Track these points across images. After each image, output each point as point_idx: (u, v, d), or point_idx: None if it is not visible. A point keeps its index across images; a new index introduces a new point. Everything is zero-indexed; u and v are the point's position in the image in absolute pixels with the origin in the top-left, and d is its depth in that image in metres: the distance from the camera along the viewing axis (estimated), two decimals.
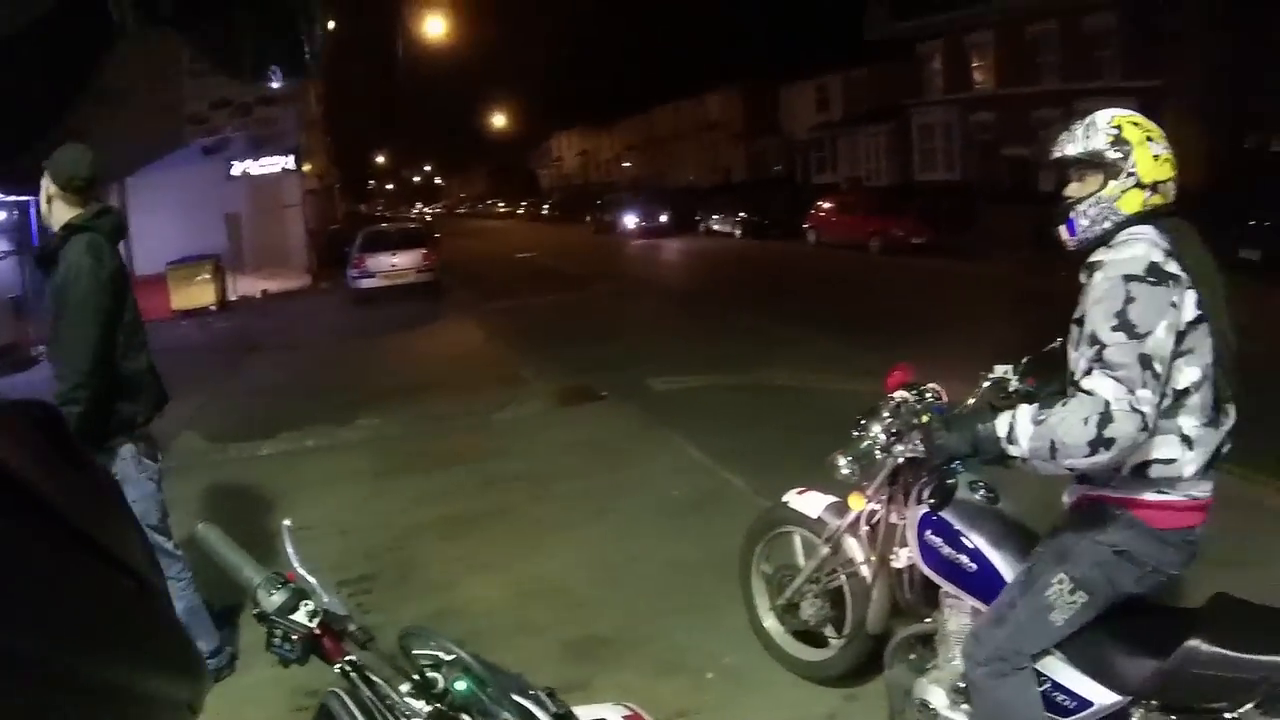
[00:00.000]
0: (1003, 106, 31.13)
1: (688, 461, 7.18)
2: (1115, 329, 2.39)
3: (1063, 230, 2.76)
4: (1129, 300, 2.41)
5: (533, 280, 22.67)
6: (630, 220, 37.25)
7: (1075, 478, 2.73)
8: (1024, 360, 3.33)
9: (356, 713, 1.51)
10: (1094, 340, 2.43)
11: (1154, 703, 2.61)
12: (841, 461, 3.40)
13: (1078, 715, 2.73)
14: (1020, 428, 2.49)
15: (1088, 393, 2.36)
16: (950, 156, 34.99)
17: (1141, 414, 2.31)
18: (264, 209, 26.14)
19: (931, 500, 3.01)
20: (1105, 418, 2.29)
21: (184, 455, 8.62)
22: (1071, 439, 2.33)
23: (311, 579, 1.72)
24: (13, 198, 21.64)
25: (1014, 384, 3.28)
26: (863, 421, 3.36)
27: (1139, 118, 2.68)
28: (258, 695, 4.32)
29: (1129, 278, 2.44)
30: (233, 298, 23.88)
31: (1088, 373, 2.41)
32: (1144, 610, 2.76)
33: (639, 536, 5.74)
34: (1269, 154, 28.08)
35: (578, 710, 1.68)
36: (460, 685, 1.54)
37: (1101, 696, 2.68)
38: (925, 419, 3.07)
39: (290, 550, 1.79)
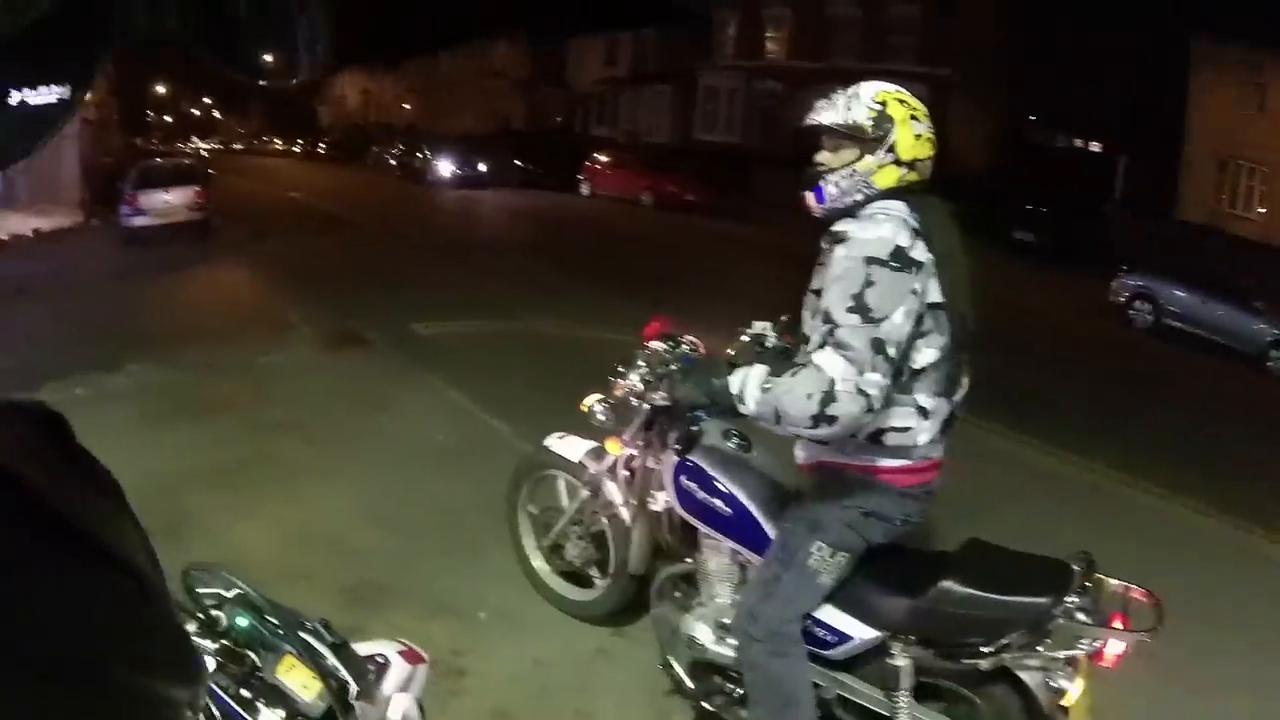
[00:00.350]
0: (791, 78, 31.98)
1: (453, 407, 7.35)
2: (851, 310, 2.35)
3: (809, 196, 2.70)
4: (868, 284, 2.36)
5: (305, 222, 21.81)
6: (446, 168, 32.92)
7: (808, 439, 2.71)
8: (782, 319, 3.39)
9: None
10: (828, 318, 2.39)
11: (912, 638, 2.74)
12: (598, 408, 3.62)
13: (838, 648, 2.84)
14: (749, 391, 2.51)
15: (817, 368, 2.34)
16: (732, 121, 36.02)
17: (867, 396, 2.30)
18: None
19: (678, 447, 3.14)
20: (829, 396, 2.28)
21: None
22: (796, 410, 2.33)
23: None
24: None
25: (771, 340, 3.36)
26: (620, 369, 3.44)
27: (905, 94, 2.65)
28: None
29: (871, 260, 2.39)
30: (3, 237, 22.01)
31: (821, 346, 2.38)
32: (900, 553, 2.88)
33: (407, 481, 5.85)
34: (1044, 146, 31.32)
35: (354, 645, 1.75)
36: (242, 621, 1.61)
37: (861, 632, 2.78)
38: (672, 369, 3.17)
39: None
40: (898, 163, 2.57)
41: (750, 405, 2.50)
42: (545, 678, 4.00)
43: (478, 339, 9.86)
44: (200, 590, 1.70)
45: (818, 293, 2.59)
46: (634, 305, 10.04)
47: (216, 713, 1.46)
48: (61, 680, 0.49)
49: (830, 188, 2.63)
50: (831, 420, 2.29)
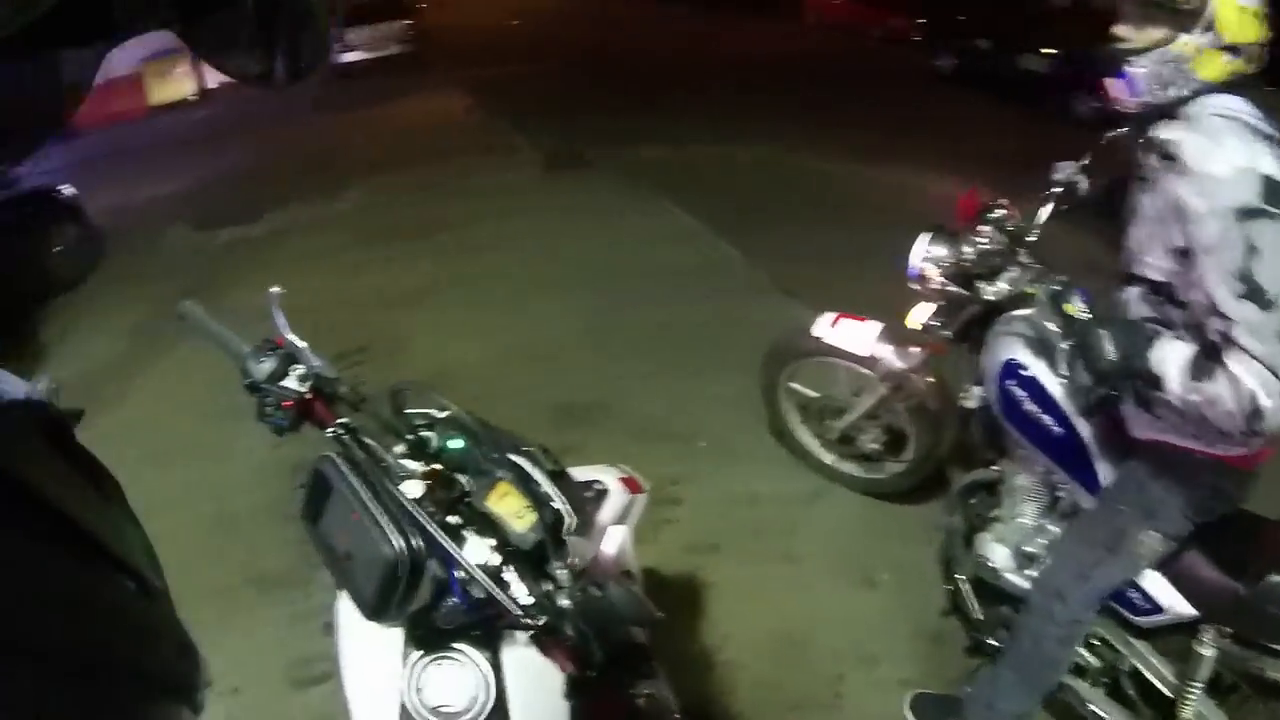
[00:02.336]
0: None
1: (681, 229, 7.03)
2: (1243, 297, 1.83)
3: (1116, 85, 2.11)
4: (1251, 251, 1.82)
5: (524, 49, 21.40)
6: None
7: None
8: (1087, 158, 2.83)
9: (350, 475, 1.47)
10: (1214, 309, 1.89)
11: (1227, 630, 2.35)
12: (929, 320, 2.97)
13: (1147, 617, 2.48)
14: (1170, 374, 1.95)
15: (1232, 378, 1.84)
16: None
17: None
18: None
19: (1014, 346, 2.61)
20: (1255, 414, 1.83)
21: (176, 244, 8.85)
22: (1220, 423, 1.89)
23: (301, 343, 1.67)
24: None
25: (1083, 185, 2.80)
26: (930, 253, 2.89)
27: None
28: (258, 481, 4.49)
29: (1244, 213, 1.84)
30: (212, 85, 23.15)
31: (1219, 346, 1.88)
32: (1239, 524, 2.43)
33: (629, 302, 5.70)
34: None
35: (572, 470, 1.63)
36: (454, 443, 1.52)
37: (1178, 607, 2.40)
38: (1072, 310, 2.29)
39: (277, 317, 1.74)
40: (1222, 47, 1.97)
41: (1172, 396, 1.96)
42: (758, 515, 3.86)
43: (707, 163, 9.36)
44: (409, 410, 1.65)
45: (1160, 222, 2.08)
46: (865, 137, 9.53)
47: (421, 541, 1.38)
48: (61, 677, 0.48)
49: (1142, 75, 2.04)
50: (1258, 433, 1.86)
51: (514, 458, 1.50)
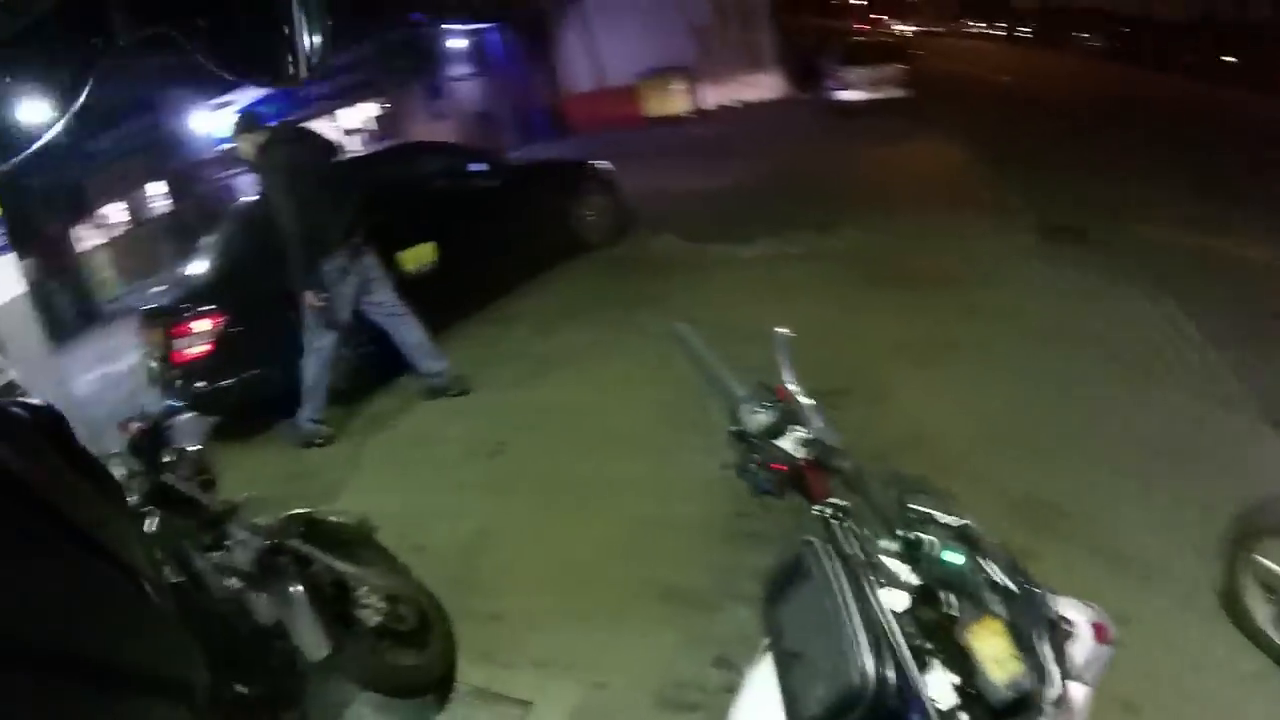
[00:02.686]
0: None
1: (1183, 339, 6.04)
2: None
3: None
4: None
5: (1012, 106, 20.83)
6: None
7: None
8: None
9: (835, 570, 1.31)
10: None
11: None
12: None
13: None
14: None
15: None
16: None
17: None
18: (732, 21, 26.12)
19: None
20: None
21: (663, 253, 9.73)
22: None
23: (805, 399, 1.52)
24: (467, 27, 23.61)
25: None
26: None
27: None
28: (699, 494, 4.59)
29: None
30: (706, 106, 24.50)
31: None
32: None
33: (1117, 401, 5.13)
34: None
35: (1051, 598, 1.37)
36: (953, 557, 1.32)
37: None
38: None
39: (783, 363, 1.60)
40: None
41: None
42: (1200, 692, 3.19)
43: (1221, 257, 7.94)
44: (912, 505, 1.42)
45: None
46: None
47: (892, 672, 1.21)
48: (61, 680, 0.48)
49: None
50: None
51: (1006, 580, 1.30)
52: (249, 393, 7.02)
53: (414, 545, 4.82)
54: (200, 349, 6.81)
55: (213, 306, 6.88)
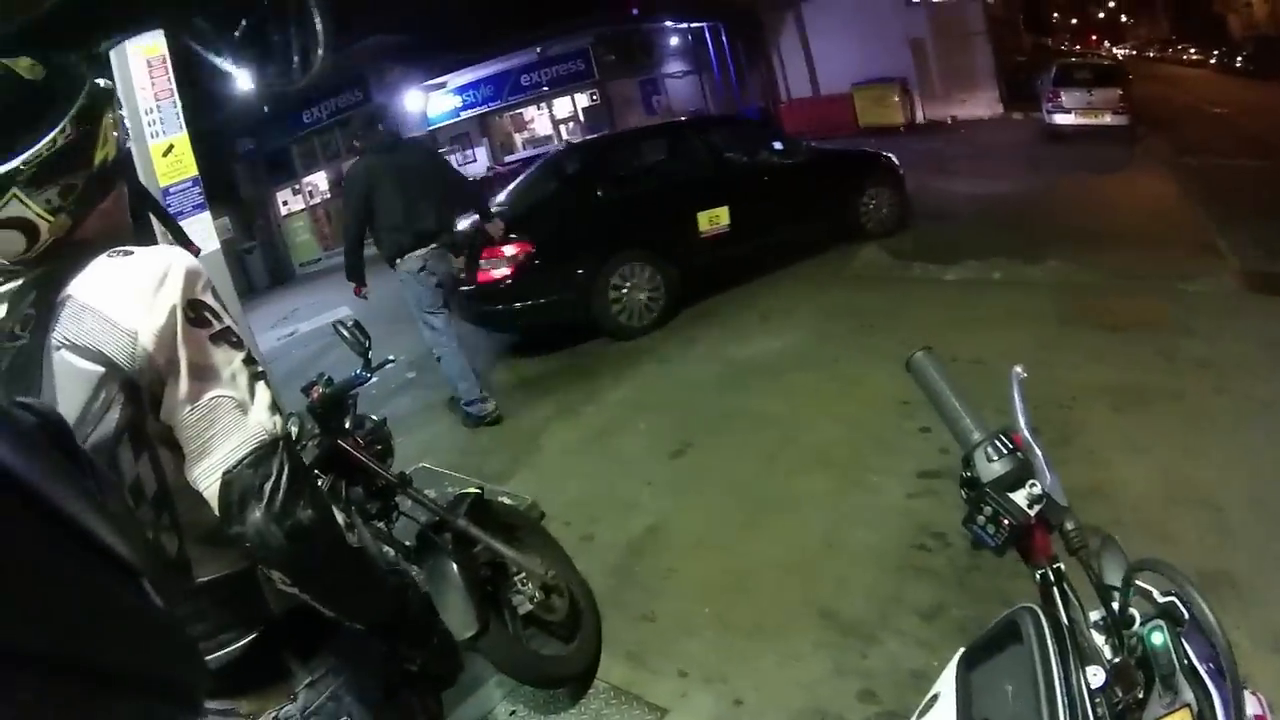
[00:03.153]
0: None
1: None
2: None
3: None
4: None
5: (1230, 140, 18.97)
6: None
7: None
8: None
9: (1047, 637, 1.25)
10: None
11: None
12: None
13: None
14: None
15: None
16: None
17: None
18: (948, 35, 25.53)
19: None
20: None
21: (867, 267, 9.68)
22: None
23: (1039, 450, 1.40)
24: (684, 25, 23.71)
25: None
26: None
27: None
28: (877, 520, 4.45)
29: None
30: (920, 120, 24.08)
31: None
32: None
33: None
34: None
35: None
36: (1157, 636, 1.21)
37: None
38: None
39: (1019, 406, 1.48)
40: None
41: None
42: None
43: None
44: (1130, 576, 1.29)
45: None
46: None
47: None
48: (60, 679, 0.48)
49: None
50: None
51: (1208, 681, 1.16)
52: (537, 316, 8.17)
53: (582, 534, 4.85)
54: (503, 271, 7.90)
55: (520, 236, 7.93)
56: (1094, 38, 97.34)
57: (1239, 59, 48.42)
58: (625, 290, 8.37)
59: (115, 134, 1.56)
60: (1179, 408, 5.27)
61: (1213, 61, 54.19)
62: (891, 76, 24.41)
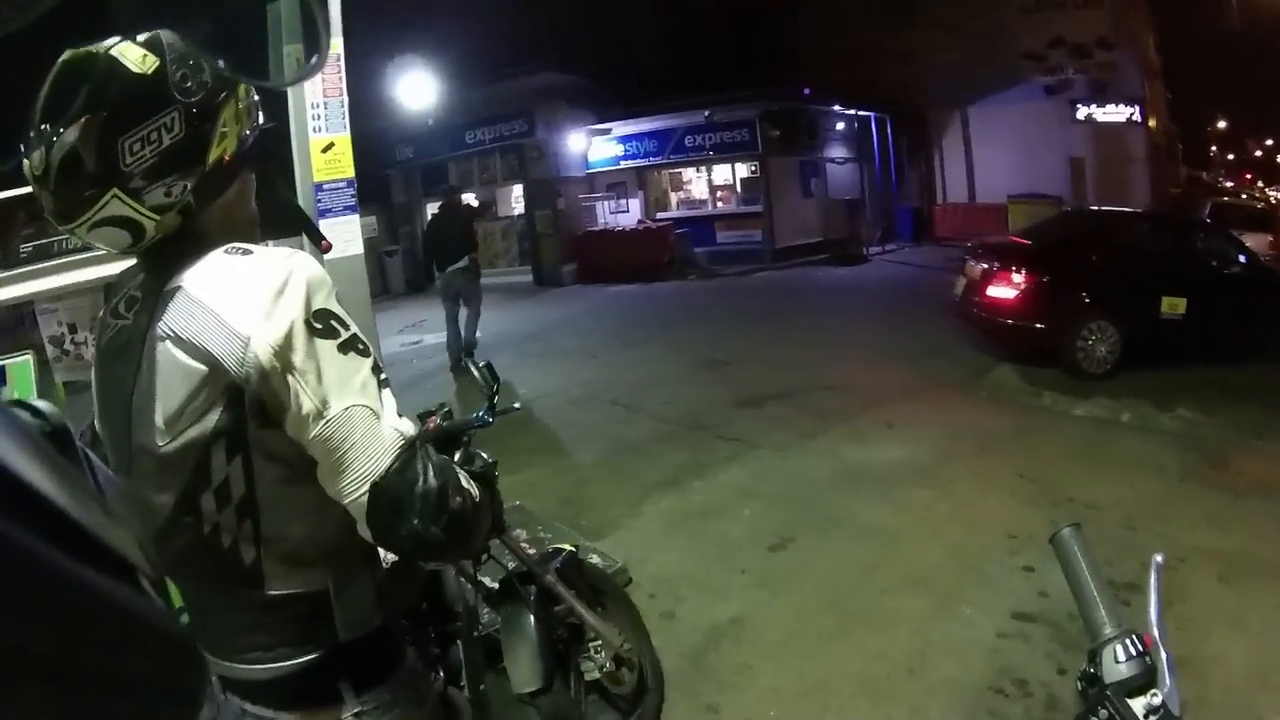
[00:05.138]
0: None
1: None
2: None
3: None
4: None
5: None
6: None
7: None
8: None
9: None
10: None
11: None
12: None
13: None
14: None
15: None
16: None
17: None
18: (1108, 158, 24.97)
19: None
20: None
21: (997, 388, 9.64)
22: None
23: (1165, 652, 1.28)
24: (851, 111, 23.62)
25: None
26: None
27: None
28: (963, 654, 4.30)
29: None
30: None
31: None
32: None
33: None
34: None
35: None
36: None
37: None
38: None
39: (1154, 600, 1.36)
40: None
41: None
42: None
43: None
44: None
45: None
46: None
47: None
48: (60, 679, 0.48)
49: None
50: None
51: None
52: (1017, 336, 10.20)
53: (664, 611, 4.79)
54: (1007, 294, 10.09)
55: (1031, 270, 10.10)
56: (1249, 176, 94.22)
57: None
58: (1091, 341, 9.80)
59: (239, 126, 1.53)
60: None
61: None
62: (1048, 194, 23.98)
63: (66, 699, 0.50)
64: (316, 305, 1.43)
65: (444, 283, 11.69)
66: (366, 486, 1.40)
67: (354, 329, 1.48)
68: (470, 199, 17.42)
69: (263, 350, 1.37)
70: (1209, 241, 11.13)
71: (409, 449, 1.45)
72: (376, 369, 1.49)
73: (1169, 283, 10.01)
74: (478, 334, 12.04)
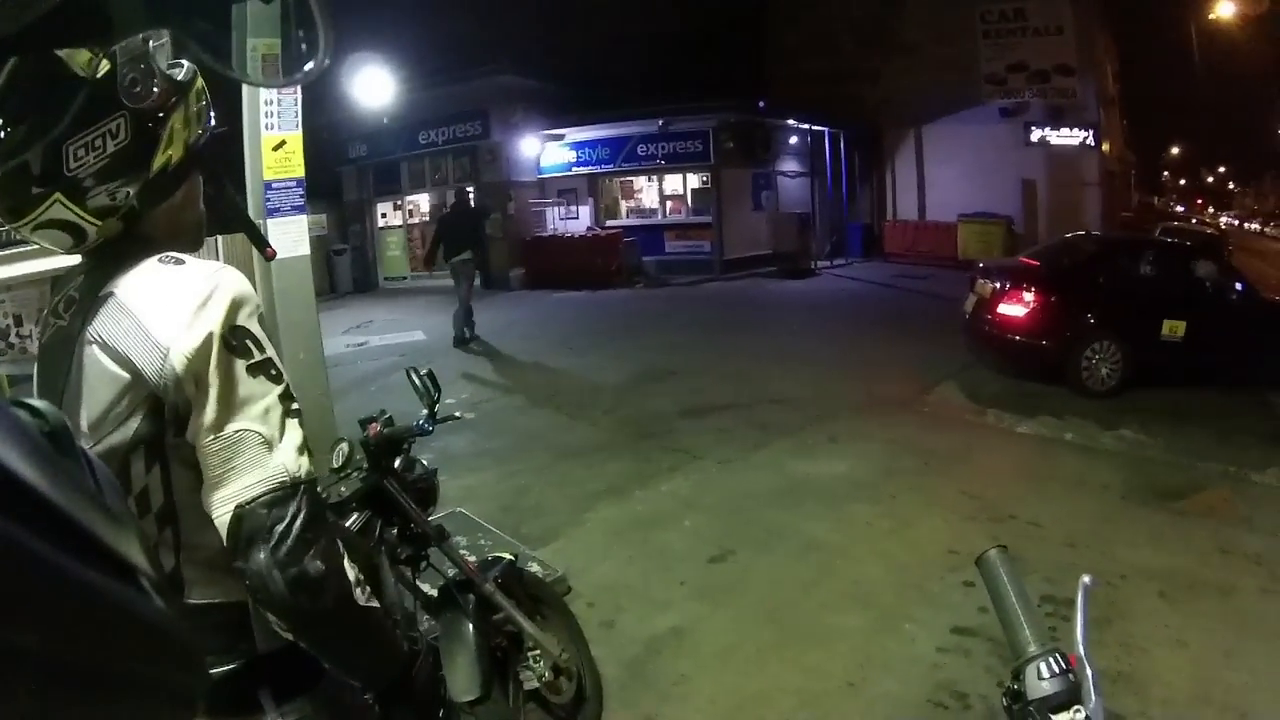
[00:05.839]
0: None
1: None
2: None
3: None
4: None
5: None
6: None
7: None
8: None
9: None
10: None
11: None
12: None
13: None
14: None
15: None
16: None
17: None
18: (1060, 182, 25.39)
19: None
20: None
21: (940, 405, 9.72)
22: None
23: (1090, 671, 1.29)
24: (806, 126, 23.94)
25: None
26: None
27: None
28: (903, 668, 4.33)
29: None
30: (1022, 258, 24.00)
31: None
32: None
33: None
34: None
35: None
36: None
37: None
38: None
39: (1080, 620, 1.38)
40: None
41: None
42: None
43: None
44: None
45: None
46: None
47: None
48: (60, 679, 0.47)
49: None
50: None
51: None
52: (1021, 355, 10.55)
53: (604, 620, 4.77)
54: (1018, 312, 10.39)
55: (1036, 288, 10.46)
56: (1200, 201, 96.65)
57: None
58: (1095, 360, 10.13)
59: (188, 131, 1.51)
60: (1227, 604, 5.05)
61: None
62: (999, 214, 24.37)
63: (66, 700, 0.49)
64: (236, 322, 1.43)
65: (452, 270, 13.75)
66: (231, 508, 1.40)
67: (270, 353, 1.47)
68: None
69: (179, 360, 1.38)
70: (1209, 270, 11.42)
71: (290, 488, 1.43)
72: (287, 397, 1.49)
73: (1170, 306, 10.36)
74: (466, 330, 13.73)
